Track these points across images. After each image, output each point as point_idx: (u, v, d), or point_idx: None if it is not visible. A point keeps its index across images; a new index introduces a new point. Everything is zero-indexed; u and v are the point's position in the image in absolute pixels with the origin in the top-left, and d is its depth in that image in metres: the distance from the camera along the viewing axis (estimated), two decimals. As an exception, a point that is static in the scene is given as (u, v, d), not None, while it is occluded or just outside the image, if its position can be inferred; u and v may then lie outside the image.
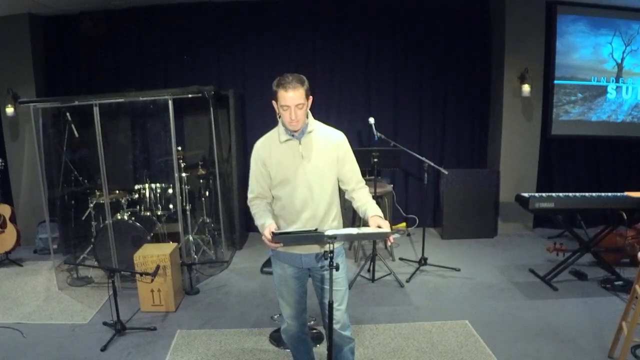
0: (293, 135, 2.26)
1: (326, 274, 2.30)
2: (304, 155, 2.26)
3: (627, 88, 5.68)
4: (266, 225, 2.19)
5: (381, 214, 2.28)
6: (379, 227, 2.17)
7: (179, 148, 4.55)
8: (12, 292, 4.22)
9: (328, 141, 2.30)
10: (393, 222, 5.72)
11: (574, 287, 4.07)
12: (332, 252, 2.13)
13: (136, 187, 4.69)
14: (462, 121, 5.84)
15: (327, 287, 2.27)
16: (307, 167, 2.26)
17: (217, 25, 5.54)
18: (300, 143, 2.27)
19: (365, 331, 3.37)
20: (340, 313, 2.34)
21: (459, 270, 4.49)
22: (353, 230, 2.19)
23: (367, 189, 2.42)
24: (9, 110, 5.26)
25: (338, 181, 2.38)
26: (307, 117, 2.29)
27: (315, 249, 2.33)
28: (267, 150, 2.31)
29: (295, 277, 2.42)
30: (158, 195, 4.66)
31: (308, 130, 2.28)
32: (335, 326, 2.32)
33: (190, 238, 4.76)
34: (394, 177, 5.81)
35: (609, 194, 4.00)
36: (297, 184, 2.27)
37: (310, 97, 2.25)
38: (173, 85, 5.22)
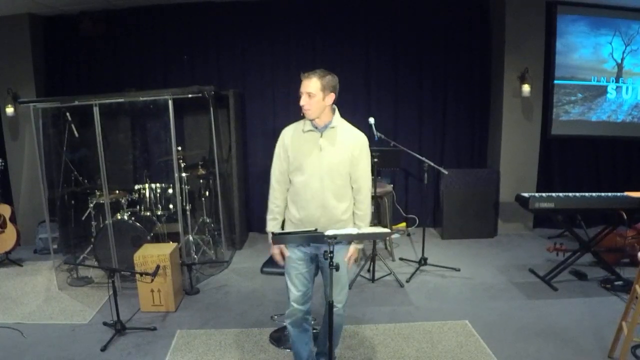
0: (316, 128, 2.42)
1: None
2: (322, 148, 2.40)
3: (627, 88, 5.68)
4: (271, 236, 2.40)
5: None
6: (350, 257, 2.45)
7: (179, 148, 4.54)
8: (12, 292, 4.22)
9: (347, 138, 2.43)
10: (393, 222, 5.71)
11: (574, 287, 4.07)
12: (332, 252, 2.14)
13: (136, 187, 4.69)
14: (462, 121, 5.83)
15: (330, 273, 2.39)
16: (322, 160, 2.39)
17: (217, 25, 5.54)
18: (321, 136, 2.42)
19: (365, 331, 3.37)
20: (337, 294, 2.47)
21: (459, 270, 4.49)
22: (353, 230, 2.21)
23: (362, 213, 2.50)
24: (9, 110, 5.26)
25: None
26: (334, 114, 2.45)
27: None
28: (290, 136, 2.49)
29: (303, 260, 2.52)
30: (158, 195, 4.65)
31: (331, 125, 2.41)
32: (339, 305, 2.49)
33: (190, 238, 4.76)
34: (394, 177, 5.81)
35: (609, 194, 4.01)
36: (310, 174, 2.40)
37: (331, 94, 2.39)
38: (173, 85, 5.22)
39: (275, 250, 2.53)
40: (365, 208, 2.49)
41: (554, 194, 4.05)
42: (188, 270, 4.16)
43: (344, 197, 2.45)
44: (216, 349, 3.18)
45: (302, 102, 2.36)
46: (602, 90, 5.66)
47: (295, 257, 2.51)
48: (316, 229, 2.26)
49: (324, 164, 2.39)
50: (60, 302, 3.98)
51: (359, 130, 2.51)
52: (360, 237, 2.40)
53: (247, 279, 4.42)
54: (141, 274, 3.56)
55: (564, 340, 3.17)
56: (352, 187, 2.49)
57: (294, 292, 2.52)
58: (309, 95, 2.34)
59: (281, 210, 2.56)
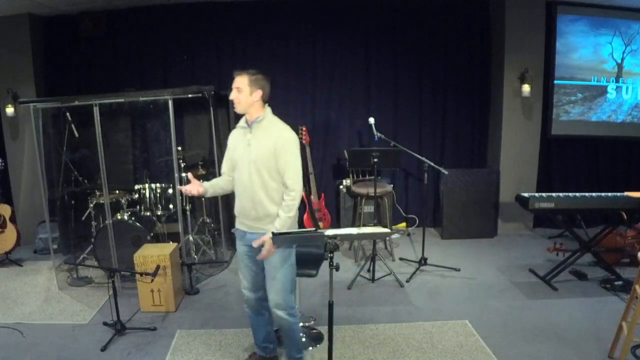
0: (247, 124, 2.60)
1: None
2: (250, 143, 2.55)
3: (627, 88, 5.68)
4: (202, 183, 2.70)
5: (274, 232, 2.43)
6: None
7: (179, 148, 4.54)
8: (12, 292, 4.22)
9: (272, 133, 2.53)
10: (393, 222, 5.72)
11: (574, 287, 4.07)
12: (332, 252, 2.15)
13: (136, 187, 4.69)
14: (462, 121, 5.83)
15: (267, 269, 2.60)
16: (250, 154, 2.54)
17: (217, 25, 5.54)
18: (250, 132, 2.57)
19: (365, 331, 3.37)
20: (273, 295, 2.61)
21: (459, 270, 4.49)
22: (353, 230, 2.21)
23: (288, 203, 2.50)
24: (9, 110, 5.25)
25: None
26: (264, 110, 2.58)
27: (259, 228, 2.54)
28: (233, 133, 2.73)
29: (247, 255, 2.67)
30: (158, 195, 4.65)
31: (258, 119, 2.57)
32: (270, 304, 2.63)
33: (190, 238, 4.76)
34: (394, 177, 5.81)
35: (609, 194, 4.01)
36: (241, 168, 2.59)
37: (259, 90, 2.54)
38: (173, 85, 5.22)
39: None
40: (290, 200, 2.50)
41: (554, 194, 4.05)
42: (188, 270, 4.16)
43: (274, 191, 2.53)
44: (216, 349, 3.18)
45: (231, 97, 2.55)
46: (602, 90, 5.66)
47: (240, 251, 2.71)
48: (315, 229, 2.28)
49: (251, 158, 2.52)
50: (60, 302, 3.98)
51: (289, 128, 2.59)
52: (360, 237, 2.43)
53: (247, 279, 4.42)
54: (141, 274, 3.56)
55: (564, 340, 3.17)
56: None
57: (244, 282, 2.76)
58: (238, 89, 2.52)
59: (215, 182, 2.81)
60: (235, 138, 2.69)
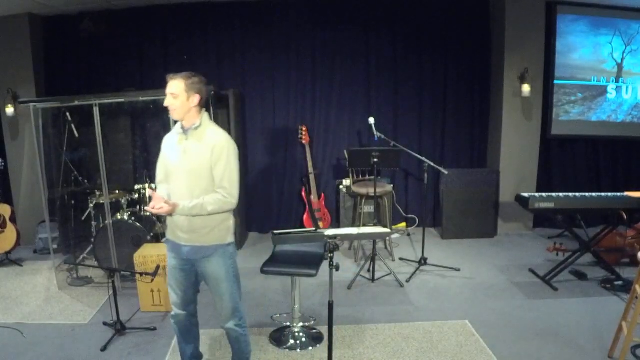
0: (183, 130, 2.41)
1: (207, 269, 2.44)
2: (186, 151, 2.38)
3: (627, 88, 5.68)
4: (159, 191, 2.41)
5: (184, 208, 2.31)
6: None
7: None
8: (12, 292, 4.22)
9: (208, 141, 2.37)
10: (393, 222, 5.72)
11: (574, 287, 4.07)
12: (332, 252, 2.14)
13: (136, 187, 4.68)
14: (462, 121, 5.83)
15: (210, 283, 2.49)
16: (185, 163, 2.37)
17: (217, 25, 5.54)
18: (186, 139, 2.40)
19: (365, 331, 3.37)
20: (221, 309, 2.52)
21: (459, 270, 4.49)
22: (353, 230, 2.21)
23: (218, 195, 2.36)
24: (9, 110, 5.25)
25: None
26: (201, 116, 2.42)
27: (197, 240, 2.40)
28: (167, 139, 2.52)
29: (180, 269, 2.51)
30: (158, 195, 4.65)
31: (195, 126, 2.39)
32: (221, 317, 2.53)
33: (190, 238, 4.75)
34: (394, 177, 5.81)
35: (609, 194, 4.01)
36: (176, 177, 2.41)
37: (196, 95, 2.38)
38: (173, 85, 5.21)
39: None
40: (221, 197, 2.36)
41: (554, 194, 4.05)
42: (188, 270, 4.15)
43: None
44: (216, 349, 3.18)
45: (166, 103, 2.36)
46: (602, 90, 5.65)
47: (171, 264, 2.54)
48: (316, 229, 2.27)
49: (188, 167, 2.37)
50: (60, 302, 3.98)
51: (227, 134, 2.46)
52: (360, 237, 2.41)
53: (247, 279, 4.41)
54: (141, 274, 3.56)
55: (564, 340, 3.17)
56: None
57: (173, 297, 2.57)
58: (173, 95, 2.34)
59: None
60: (169, 144, 2.49)
